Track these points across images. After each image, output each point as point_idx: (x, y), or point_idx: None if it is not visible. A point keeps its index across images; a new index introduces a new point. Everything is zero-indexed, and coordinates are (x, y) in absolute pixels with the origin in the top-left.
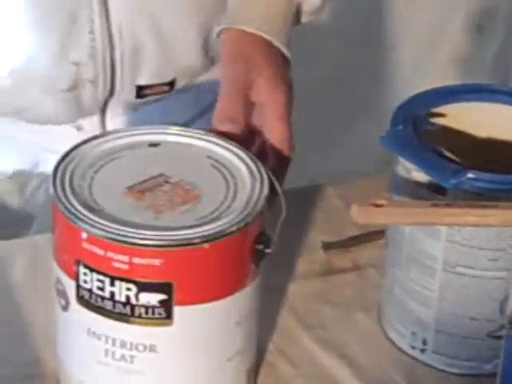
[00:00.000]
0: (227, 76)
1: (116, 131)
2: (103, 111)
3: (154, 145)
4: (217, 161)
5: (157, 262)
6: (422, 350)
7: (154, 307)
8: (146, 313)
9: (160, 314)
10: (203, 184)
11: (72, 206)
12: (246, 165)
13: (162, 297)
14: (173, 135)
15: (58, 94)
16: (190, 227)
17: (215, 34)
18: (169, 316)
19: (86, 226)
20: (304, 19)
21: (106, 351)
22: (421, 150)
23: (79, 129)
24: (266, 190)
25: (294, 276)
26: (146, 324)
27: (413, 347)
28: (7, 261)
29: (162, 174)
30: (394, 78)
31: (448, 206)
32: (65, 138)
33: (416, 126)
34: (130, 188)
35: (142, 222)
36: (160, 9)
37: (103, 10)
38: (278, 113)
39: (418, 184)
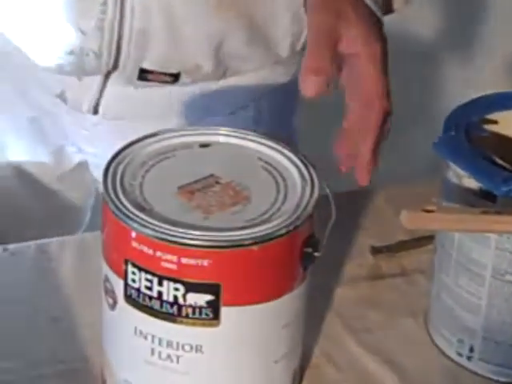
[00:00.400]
0: (315, 25)
1: (167, 131)
2: (106, 77)
3: (204, 145)
4: (267, 163)
5: (205, 262)
6: (469, 358)
7: (201, 308)
8: (193, 313)
9: (207, 314)
10: (253, 185)
11: (122, 205)
12: (297, 167)
13: (209, 297)
14: (224, 136)
15: (62, 55)
16: (240, 228)
17: None
18: (216, 317)
19: (136, 225)
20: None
21: (153, 350)
22: (472, 156)
23: (80, 79)
24: (316, 193)
25: (342, 279)
26: (192, 324)
27: (459, 354)
28: (57, 258)
29: (212, 175)
30: (447, 83)
31: (498, 213)
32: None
33: (468, 133)
34: (180, 188)
35: (192, 222)
36: None
37: None
38: (374, 63)
39: (468, 190)
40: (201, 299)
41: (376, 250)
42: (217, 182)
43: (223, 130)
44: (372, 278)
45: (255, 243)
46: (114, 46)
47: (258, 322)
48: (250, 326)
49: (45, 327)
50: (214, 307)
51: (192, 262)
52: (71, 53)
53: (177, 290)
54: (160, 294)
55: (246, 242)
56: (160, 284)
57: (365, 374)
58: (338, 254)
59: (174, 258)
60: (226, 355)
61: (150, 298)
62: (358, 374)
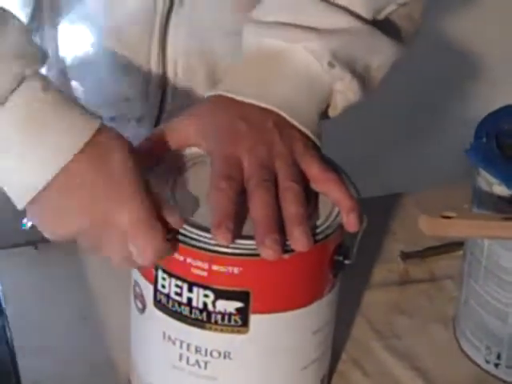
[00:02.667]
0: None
1: None
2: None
3: None
4: None
5: (236, 270)
6: (496, 365)
7: (230, 314)
8: (223, 320)
9: (236, 321)
10: None
11: None
12: None
13: (238, 305)
14: None
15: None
16: None
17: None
18: (245, 324)
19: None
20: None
21: (181, 356)
22: (503, 163)
23: None
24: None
25: (370, 285)
26: (221, 331)
27: (487, 361)
28: (87, 258)
29: None
30: (480, 88)
31: None
32: None
33: (499, 140)
34: None
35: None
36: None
37: (161, 49)
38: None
39: (498, 198)
40: (230, 306)
41: (405, 256)
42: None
43: None
44: (401, 283)
45: (286, 252)
46: (156, 109)
47: (287, 329)
48: (279, 333)
49: (73, 326)
50: (243, 314)
51: (222, 269)
52: (112, 119)
53: (206, 296)
54: (190, 300)
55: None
56: (190, 290)
57: (392, 379)
58: (367, 258)
59: (205, 265)
60: (254, 362)
61: (180, 303)
62: (384, 379)
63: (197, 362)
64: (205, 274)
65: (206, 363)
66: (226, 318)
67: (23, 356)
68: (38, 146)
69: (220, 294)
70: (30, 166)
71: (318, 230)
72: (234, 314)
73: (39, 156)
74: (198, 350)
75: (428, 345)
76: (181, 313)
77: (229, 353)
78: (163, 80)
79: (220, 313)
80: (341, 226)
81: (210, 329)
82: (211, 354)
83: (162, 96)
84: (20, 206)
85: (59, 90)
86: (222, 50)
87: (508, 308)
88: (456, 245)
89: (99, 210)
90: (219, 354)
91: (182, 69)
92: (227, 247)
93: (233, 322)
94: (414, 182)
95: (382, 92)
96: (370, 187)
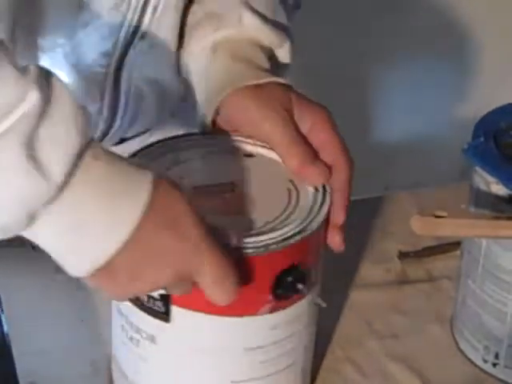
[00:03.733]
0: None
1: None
2: None
3: (248, 155)
4: (294, 186)
5: None
6: (494, 364)
7: (154, 299)
8: (148, 302)
9: (159, 307)
10: (262, 202)
11: None
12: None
13: (161, 291)
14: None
15: None
16: None
17: (212, 112)
18: (167, 312)
19: None
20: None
21: (127, 332)
22: (501, 162)
23: None
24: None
25: (368, 284)
26: (149, 313)
27: (485, 361)
28: None
29: (232, 183)
30: (478, 87)
31: (509, 218)
32: None
33: (497, 139)
34: (195, 188)
35: None
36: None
37: (115, 81)
38: (330, 126)
39: (496, 197)
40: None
41: (403, 255)
42: (232, 190)
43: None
44: (398, 283)
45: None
46: (102, 134)
47: (210, 333)
48: (201, 334)
49: (72, 327)
50: (165, 302)
51: None
52: None
53: None
54: None
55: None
56: None
57: (389, 379)
58: (364, 258)
59: None
60: (174, 354)
61: None
62: (381, 379)
63: (132, 338)
64: None
65: (138, 342)
66: (151, 301)
67: (21, 357)
68: (108, 213)
69: None
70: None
71: (261, 243)
72: (157, 300)
73: (110, 222)
74: (133, 328)
75: (426, 344)
76: None
77: (154, 337)
78: (115, 109)
79: (147, 295)
80: (293, 248)
81: (141, 308)
82: (141, 334)
83: (111, 120)
84: (81, 274)
85: (106, 150)
86: (173, 77)
87: (506, 307)
88: (454, 244)
89: (178, 267)
90: (147, 335)
91: (133, 95)
92: None
93: (156, 307)
94: (413, 182)
95: (382, 92)
96: (369, 187)
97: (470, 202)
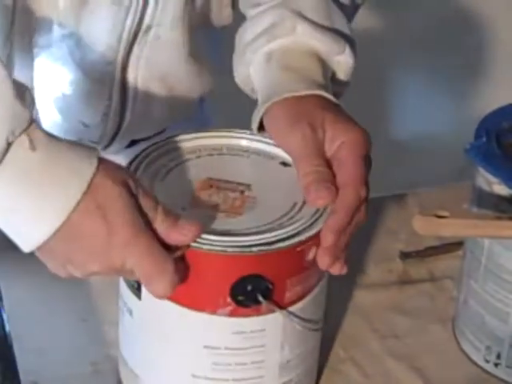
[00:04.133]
0: (297, 146)
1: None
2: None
3: (283, 163)
4: (303, 202)
5: None
6: (496, 364)
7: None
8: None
9: (134, 283)
10: (259, 205)
11: None
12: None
13: None
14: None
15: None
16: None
17: (257, 120)
18: (139, 289)
19: None
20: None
21: (120, 302)
22: (503, 162)
23: None
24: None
25: (370, 284)
26: (127, 287)
27: (487, 361)
28: None
29: (246, 185)
30: (480, 87)
31: (511, 219)
32: None
33: (499, 139)
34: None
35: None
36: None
37: (122, 79)
38: (356, 150)
39: (498, 197)
40: None
41: (405, 255)
42: (241, 191)
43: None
44: (400, 283)
45: (193, 247)
46: (112, 133)
47: (172, 321)
48: (164, 319)
49: (73, 327)
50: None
51: None
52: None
53: None
54: None
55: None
56: None
57: (390, 379)
58: (366, 258)
59: None
60: (144, 332)
61: None
62: (383, 379)
63: (121, 308)
64: None
65: (123, 312)
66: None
67: (23, 357)
68: (36, 202)
69: None
70: (30, 220)
71: (222, 243)
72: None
73: (38, 211)
74: (122, 300)
75: (427, 345)
76: None
77: (131, 311)
78: (123, 106)
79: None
80: (262, 257)
81: (125, 282)
82: (124, 306)
83: (120, 119)
84: (26, 250)
85: (49, 139)
86: (181, 73)
87: (508, 307)
88: (456, 244)
89: (105, 259)
90: (127, 309)
91: (141, 94)
92: None
93: (132, 282)
94: (415, 181)
95: (382, 93)
96: (370, 187)
97: (472, 202)
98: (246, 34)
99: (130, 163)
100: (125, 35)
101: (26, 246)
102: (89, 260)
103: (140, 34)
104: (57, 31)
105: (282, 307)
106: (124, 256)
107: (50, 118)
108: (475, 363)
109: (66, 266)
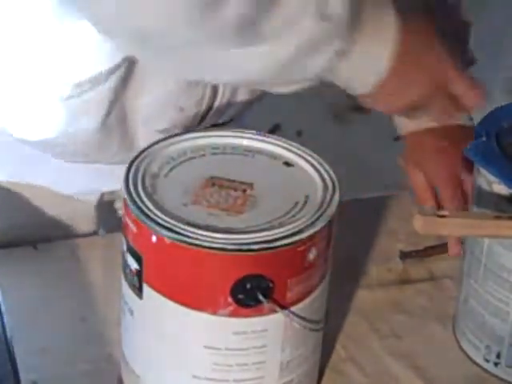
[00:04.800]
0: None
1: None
2: None
3: (286, 163)
4: (305, 202)
5: (134, 229)
6: (496, 364)
7: (132, 273)
8: (130, 274)
9: (134, 282)
10: (260, 204)
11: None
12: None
13: (136, 266)
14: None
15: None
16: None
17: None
18: (140, 288)
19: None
20: None
21: (121, 302)
22: (503, 162)
23: None
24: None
25: (370, 284)
26: (128, 286)
27: (486, 360)
28: (85, 258)
29: (248, 183)
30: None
31: (511, 218)
32: None
33: (499, 139)
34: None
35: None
36: None
37: None
38: None
39: (498, 197)
40: (132, 264)
41: (405, 255)
42: (243, 190)
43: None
44: (400, 282)
45: (194, 245)
46: (199, 117)
47: (172, 320)
48: (164, 319)
49: (73, 326)
50: (139, 277)
51: (130, 224)
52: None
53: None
54: (128, 249)
55: (188, 240)
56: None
57: (391, 379)
58: (366, 258)
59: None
60: (145, 332)
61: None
62: (383, 378)
63: (122, 308)
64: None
65: (124, 312)
66: (129, 274)
67: (23, 356)
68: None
69: (128, 248)
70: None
71: (234, 240)
72: (134, 274)
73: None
74: (123, 299)
75: (427, 344)
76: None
77: (132, 311)
78: (215, 92)
79: (128, 267)
80: (263, 257)
81: (126, 281)
82: (126, 306)
83: (211, 103)
84: (364, 90)
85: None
86: None
87: (508, 307)
88: None
89: (431, 78)
90: (128, 308)
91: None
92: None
93: (133, 282)
94: None
95: None
96: (370, 187)
97: (471, 201)
98: None
99: (136, 157)
100: None
101: (369, 80)
102: (421, 75)
103: None
104: None
105: (282, 307)
106: (448, 66)
107: (151, 105)
108: (475, 362)
109: (402, 94)
